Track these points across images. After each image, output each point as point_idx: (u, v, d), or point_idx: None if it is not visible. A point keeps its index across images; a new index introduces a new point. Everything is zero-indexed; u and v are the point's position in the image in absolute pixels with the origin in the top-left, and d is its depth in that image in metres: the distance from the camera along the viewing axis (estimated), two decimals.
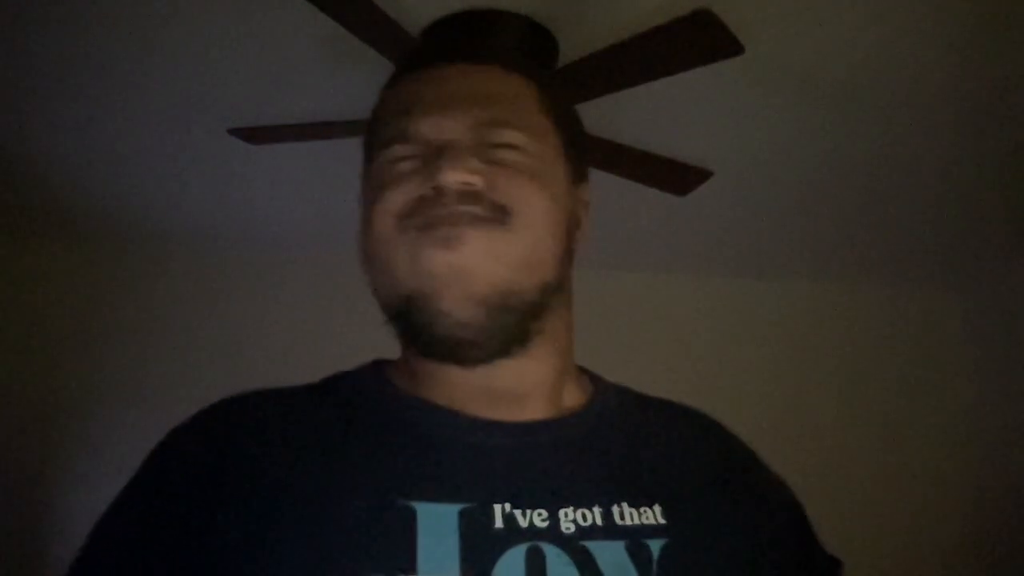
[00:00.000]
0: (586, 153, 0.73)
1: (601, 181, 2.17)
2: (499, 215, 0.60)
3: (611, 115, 1.98)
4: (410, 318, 0.61)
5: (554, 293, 0.64)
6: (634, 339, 3.14)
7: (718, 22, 1.49)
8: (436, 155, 0.62)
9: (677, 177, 2.12)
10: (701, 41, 1.55)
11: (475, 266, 0.59)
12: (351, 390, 0.67)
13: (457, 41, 0.75)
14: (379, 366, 0.70)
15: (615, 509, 0.60)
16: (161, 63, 1.90)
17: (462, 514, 0.57)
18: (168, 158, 2.40)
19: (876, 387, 3.27)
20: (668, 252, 3.06)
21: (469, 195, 0.60)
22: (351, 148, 2.24)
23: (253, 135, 2.02)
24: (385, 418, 0.64)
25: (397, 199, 0.62)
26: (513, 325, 0.61)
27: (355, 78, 1.91)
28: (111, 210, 2.79)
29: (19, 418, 2.87)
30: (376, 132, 0.68)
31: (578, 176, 0.70)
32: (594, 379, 0.73)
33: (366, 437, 0.62)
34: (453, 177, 0.60)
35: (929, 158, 2.30)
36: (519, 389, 0.64)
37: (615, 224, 2.79)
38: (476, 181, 0.60)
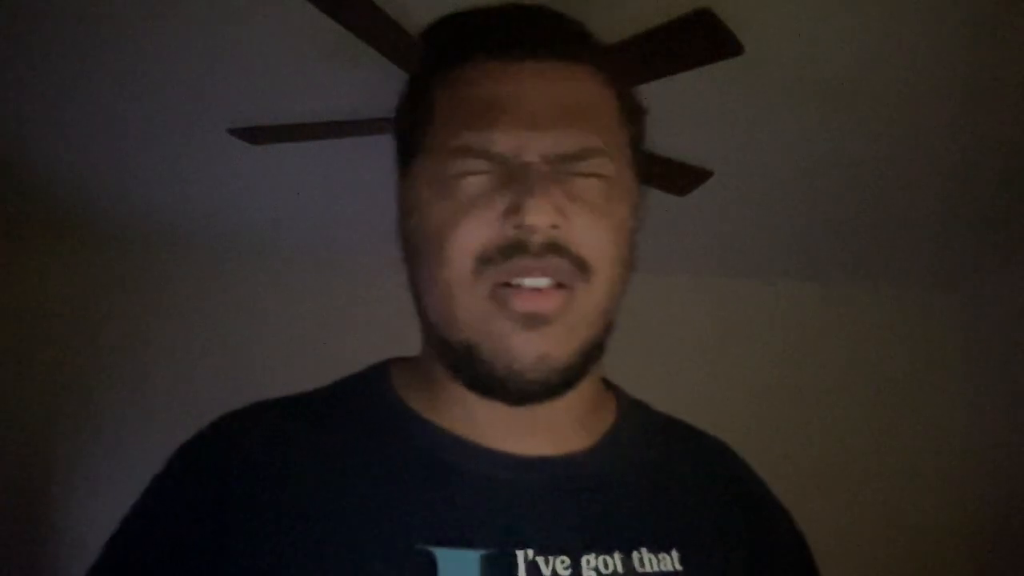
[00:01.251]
0: (644, 156, 0.67)
1: None
2: (581, 272, 0.57)
3: None
4: (470, 362, 0.58)
5: None
6: (633, 340, 3.14)
7: (718, 22, 1.49)
8: (518, 179, 0.56)
9: (677, 177, 2.12)
10: (701, 41, 1.55)
11: (559, 345, 0.57)
12: (363, 410, 0.63)
13: (544, 28, 0.64)
14: (386, 376, 0.65)
15: (635, 555, 0.58)
16: (161, 63, 1.90)
17: (484, 560, 0.55)
18: (168, 158, 2.40)
19: (875, 387, 3.27)
20: (668, 252, 3.06)
21: (553, 245, 0.56)
22: (351, 148, 2.25)
23: (253, 135, 2.02)
24: (403, 449, 0.60)
25: (477, 236, 0.56)
26: (582, 371, 0.60)
27: (355, 78, 1.91)
28: (111, 210, 2.79)
29: (20, 418, 2.87)
30: (431, 127, 0.61)
31: (639, 183, 0.66)
32: (617, 395, 0.70)
33: (384, 473, 0.58)
34: (541, 219, 0.55)
35: (928, 158, 2.30)
36: (557, 420, 0.62)
37: None
38: (562, 223, 0.56)
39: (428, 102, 0.62)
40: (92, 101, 2.07)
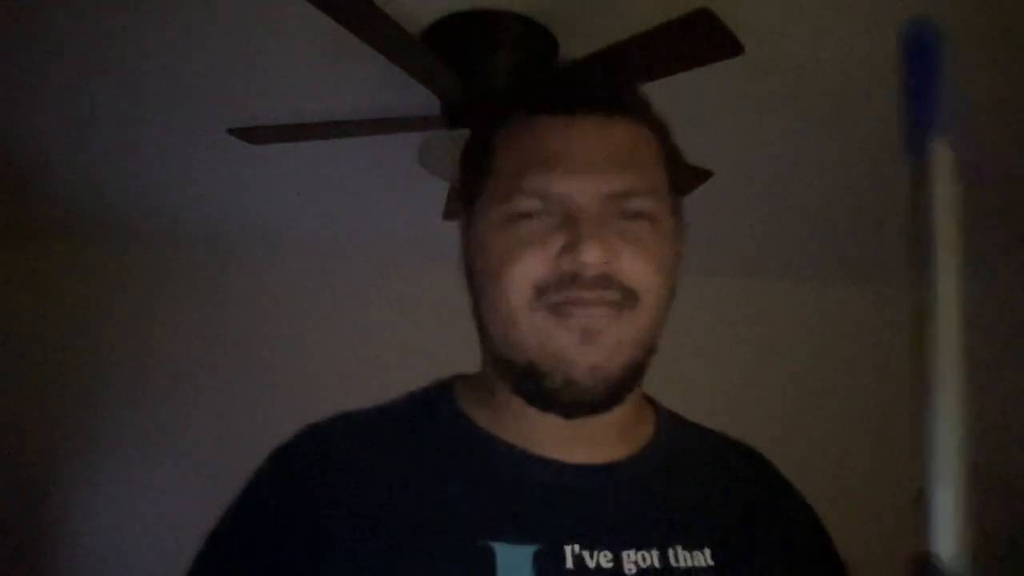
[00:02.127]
0: (682, 182, 0.76)
1: None
2: (628, 300, 0.65)
3: None
4: (532, 379, 0.65)
5: None
6: None
7: (718, 22, 1.49)
8: (573, 222, 0.63)
9: (677, 177, 2.12)
10: (701, 41, 1.55)
11: (609, 357, 0.64)
12: (433, 424, 0.71)
13: (591, 88, 0.73)
14: (452, 393, 0.73)
15: (671, 551, 0.65)
16: (161, 63, 1.90)
17: (537, 555, 0.62)
18: (168, 158, 2.40)
19: (875, 387, 3.27)
20: None
21: (604, 277, 0.63)
22: (351, 148, 2.24)
23: (253, 135, 2.02)
24: (468, 460, 0.68)
25: (535, 269, 0.64)
26: (628, 387, 0.67)
27: (355, 78, 1.91)
28: (111, 211, 2.79)
29: (21, 420, 2.87)
30: (494, 173, 0.69)
31: (678, 211, 0.74)
32: (657, 409, 0.77)
33: (450, 478, 0.66)
34: (595, 258, 0.62)
35: None
36: (603, 432, 0.69)
37: None
38: (613, 261, 0.63)
39: (491, 154, 0.70)
40: (92, 101, 2.07)
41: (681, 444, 0.74)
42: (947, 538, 0.52)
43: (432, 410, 0.72)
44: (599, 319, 0.63)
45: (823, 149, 2.28)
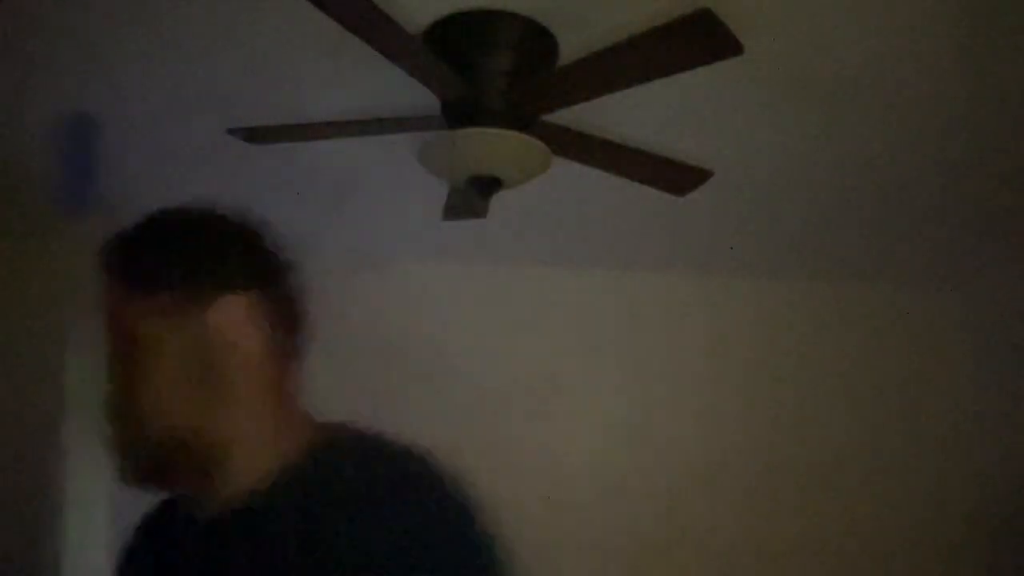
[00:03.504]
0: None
1: (601, 181, 2.17)
2: None
3: (611, 115, 1.97)
4: None
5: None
6: (633, 339, 3.14)
7: (718, 22, 1.49)
8: None
9: (677, 177, 2.12)
10: (701, 41, 1.55)
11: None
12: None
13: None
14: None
15: None
16: (161, 63, 1.90)
17: None
18: (168, 158, 2.40)
19: (876, 387, 3.27)
20: (668, 252, 3.06)
21: None
22: (352, 148, 2.23)
23: (253, 135, 2.02)
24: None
25: None
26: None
27: (355, 78, 1.91)
28: (112, 211, 2.79)
29: (20, 418, 2.87)
30: None
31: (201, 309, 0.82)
32: (310, 440, 0.80)
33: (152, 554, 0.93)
34: None
35: (929, 158, 2.30)
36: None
37: (615, 224, 2.78)
38: None
39: None
40: (91, 101, 2.07)
41: (311, 482, 0.76)
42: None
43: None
44: None
45: (823, 149, 2.27)
